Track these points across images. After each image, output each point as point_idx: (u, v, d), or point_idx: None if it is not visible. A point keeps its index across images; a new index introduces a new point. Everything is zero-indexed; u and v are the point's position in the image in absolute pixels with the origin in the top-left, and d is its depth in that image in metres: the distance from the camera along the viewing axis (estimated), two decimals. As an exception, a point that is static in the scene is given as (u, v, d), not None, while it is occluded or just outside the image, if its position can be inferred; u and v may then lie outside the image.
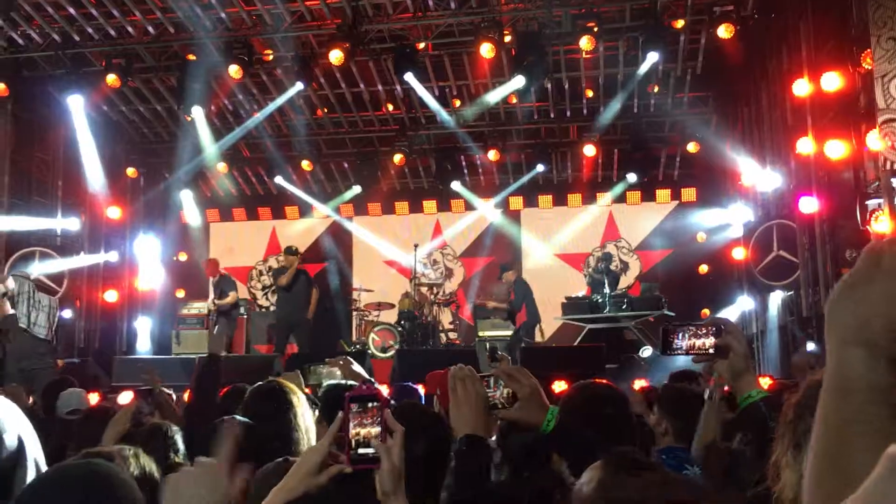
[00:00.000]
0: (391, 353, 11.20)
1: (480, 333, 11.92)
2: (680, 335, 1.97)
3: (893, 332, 0.85)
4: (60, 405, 5.42)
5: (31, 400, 6.11)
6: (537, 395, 2.03)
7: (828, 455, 0.84)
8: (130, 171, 13.92)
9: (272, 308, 15.24)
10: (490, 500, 1.81)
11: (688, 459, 2.71)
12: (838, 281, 0.90)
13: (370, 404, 1.73)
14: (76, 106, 11.77)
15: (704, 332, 1.95)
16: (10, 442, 1.79)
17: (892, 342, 0.85)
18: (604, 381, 4.12)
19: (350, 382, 3.11)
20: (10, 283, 9.26)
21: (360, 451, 1.70)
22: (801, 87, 8.69)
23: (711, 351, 1.95)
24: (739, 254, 11.54)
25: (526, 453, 2.20)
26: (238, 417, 2.73)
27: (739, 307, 11.64)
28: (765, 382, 5.67)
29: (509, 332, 11.52)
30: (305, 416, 2.95)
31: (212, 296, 12.01)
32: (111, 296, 13.10)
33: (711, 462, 2.51)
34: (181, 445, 2.97)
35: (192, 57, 11.16)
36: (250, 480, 1.83)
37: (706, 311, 12.56)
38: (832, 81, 7.93)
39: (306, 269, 11.88)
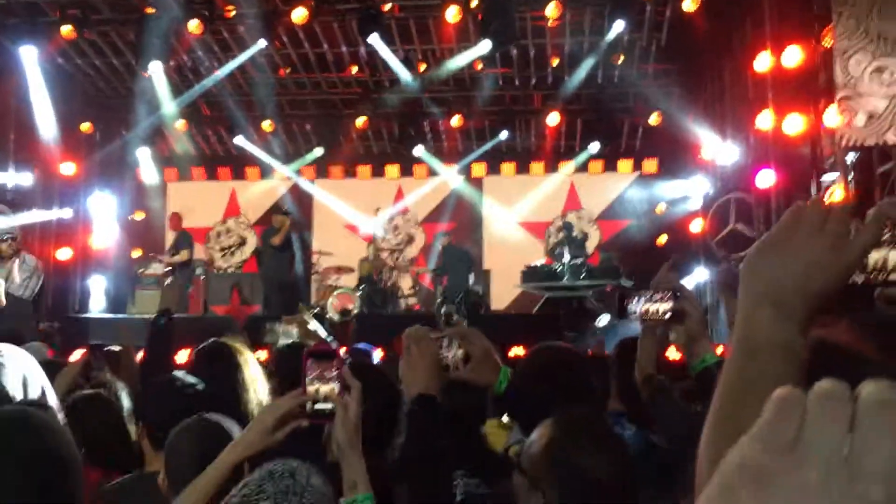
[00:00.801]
0: (350, 317, 11.19)
1: (439, 299, 11.95)
2: (635, 300, 1.97)
3: (804, 295, 0.85)
4: None
5: None
6: (490, 356, 2.04)
7: (725, 415, 0.83)
8: (85, 126, 13.57)
9: (230, 269, 15.12)
10: (440, 458, 1.83)
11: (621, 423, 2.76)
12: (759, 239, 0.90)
13: (327, 361, 1.74)
14: (29, 57, 11.41)
15: (660, 297, 1.94)
16: (34, 392, 1.90)
17: (802, 304, 0.85)
18: (563, 344, 4.16)
19: (303, 342, 3.11)
20: None
21: (318, 406, 1.72)
22: (763, 62, 8.76)
23: (667, 316, 1.94)
24: (698, 226, 11.70)
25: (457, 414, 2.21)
26: (181, 375, 2.71)
27: (696, 278, 11.82)
28: (717, 351, 5.79)
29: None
30: (253, 374, 2.95)
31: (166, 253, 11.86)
32: (64, 254, 12.83)
33: (647, 395, 2.53)
34: (126, 403, 2.95)
35: (150, 10, 10.85)
36: None
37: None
38: (793, 57, 8.02)
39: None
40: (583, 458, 1.46)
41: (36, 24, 11.11)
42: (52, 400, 1.96)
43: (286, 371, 2.69)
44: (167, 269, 11.69)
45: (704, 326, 2.01)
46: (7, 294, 8.97)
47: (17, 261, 9.23)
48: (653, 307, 1.95)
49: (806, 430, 0.46)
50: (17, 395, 1.88)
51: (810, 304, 0.86)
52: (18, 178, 12.13)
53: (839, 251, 0.86)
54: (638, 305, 1.95)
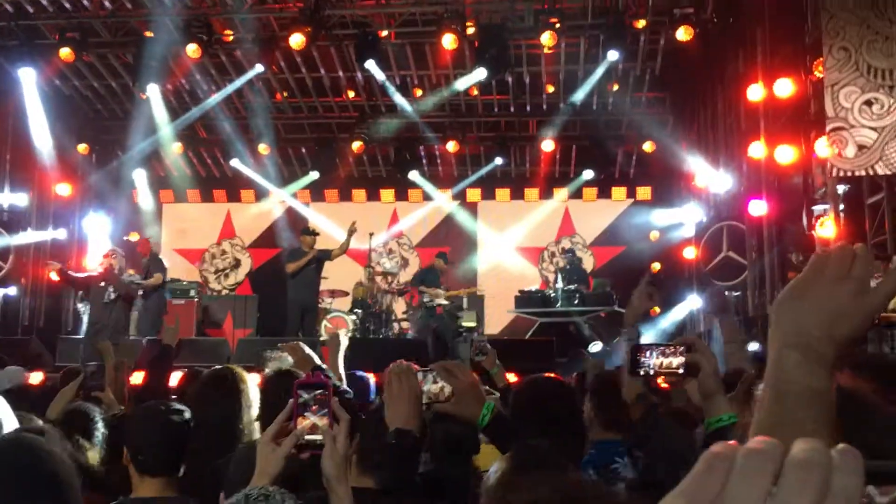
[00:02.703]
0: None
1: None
2: (648, 353, 1.92)
3: (831, 340, 0.87)
4: None
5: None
6: (474, 389, 2.05)
7: None
8: (82, 148, 13.62)
9: (224, 291, 15.09)
10: (415, 490, 1.84)
11: (618, 452, 2.77)
12: (787, 285, 0.92)
13: (317, 391, 1.75)
14: (28, 79, 11.48)
15: (672, 351, 1.91)
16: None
17: (829, 349, 0.87)
18: (552, 375, 4.18)
19: (292, 370, 3.12)
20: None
21: (308, 437, 1.72)
22: (755, 92, 8.87)
23: (681, 371, 1.90)
24: (691, 253, 11.75)
25: (449, 445, 2.22)
26: (168, 402, 2.73)
27: (689, 305, 11.85)
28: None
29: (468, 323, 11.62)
30: (251, 400, 2.98)
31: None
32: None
33: (639, 414, 2.52)
34: (101, 430, 2.95)
35: (149, 34, 10.94)
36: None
37: (656, 309, 12.74)
38: (785, 88, 8.11)
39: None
40: (530, 492, 1.46)
41: (35, 47, 11.18)
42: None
43: (272, 398, 2.71)
44: (140, 293, 11.30)
45: (720, 380, 1.95)
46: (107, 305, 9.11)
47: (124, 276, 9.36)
48: (665, 361, 1.91)
49: (729, 486, 0.47)
50: None
51: (837, 348, 0.88)
52: (14, 199, 12.16)
53: (863, 296, 0.88)
54: (650, 359, 1.91)
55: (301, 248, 10.85)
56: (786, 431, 0.81)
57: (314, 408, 1.74)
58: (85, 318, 9.50)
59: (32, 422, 2.54)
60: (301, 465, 1.87)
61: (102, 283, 9.31)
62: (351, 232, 10.65)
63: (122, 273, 9.71)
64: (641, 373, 1.93)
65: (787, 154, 8.08)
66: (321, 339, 11.23)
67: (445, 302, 11.55)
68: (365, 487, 2.00)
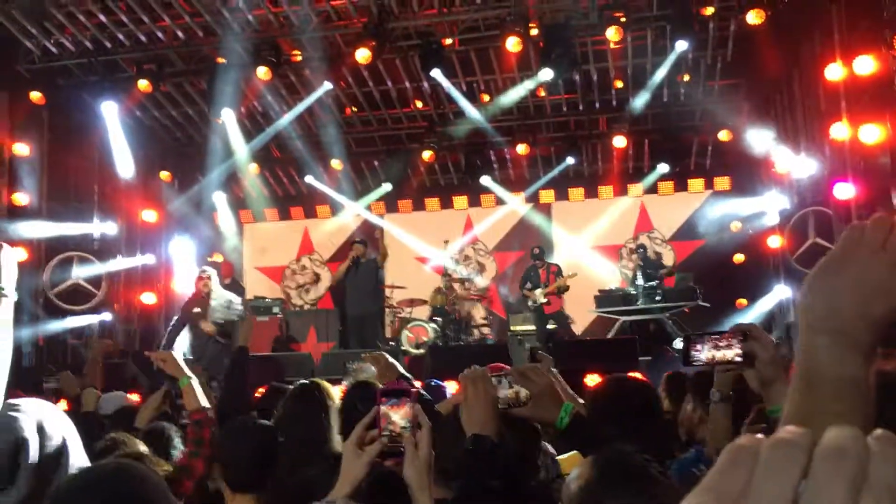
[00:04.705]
0: (424, 349, 11.22)
1: (512, 328, 11.90)
2: (700, 346, 1.87)
3: (866, 321, 0.78)
4: (101, 408, 5.50)
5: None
6: (551, 392, 2.02)
7: None
8: (164, 175, 14.12)
9: (306, 306, 15.38)
10: (492, 498, 1.82)
11: (699, 458, 2.68)
12: (819, 261, 0.83)
13: (400, 399, 1.76)
14: (110, 112, 11.96)
15: (726, 343, 1.84)
16: (54, 443, 1.79)
17: (864, 331, 0.78)
18: (636, 374, 4.10)
19: (368, 381, 3.15)
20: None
21: (390, 444, 1.73)
22: (834, 72, 8.55)
23: (738, 359, 1.83)
24: (775, 242, 11.40)
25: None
26: (254, 417, 2.77)
27: (777, 296, 11.48)
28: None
29: (547, 326, 11.49)
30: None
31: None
32: (149, 298, 13.31)
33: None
34: (179, 444, 3.06)
35: (221, 60, 11.27)
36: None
37: (743, 301, 12.39)
38: (865, 65, 7.79)
39: (364, 258, 11.12)
40: (613, 500, 1.42)
41: (115, 81, 11.65)
42: (80, 455, 1.90)
43: (349, 409, 2.74)
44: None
45: (778, 367, 1.85)
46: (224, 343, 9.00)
47: (212, 301, 9.33)
48: (719, 354, 1.84)
49: (755, 480, 0.44)
50: (33, 440, 1.77)
51: (873, 330, 0.79)
52: (103, 228, 12.67)
53: None
54: (703, 353, 1.86)
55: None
56: (819, 424, 0.74)
57: (397, 415, 1.75)
58: (178, 345, 9.47)
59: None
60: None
61: (198, 310, 9.31)
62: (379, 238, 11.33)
63: (215, 296, 9.43)
64: (695, 366, 1.88)
65: (872, 133, 7.75)
66: (403, 349, 11.35)
67: (545, 300, 11.48)
68: (443, 498, 2.00)
